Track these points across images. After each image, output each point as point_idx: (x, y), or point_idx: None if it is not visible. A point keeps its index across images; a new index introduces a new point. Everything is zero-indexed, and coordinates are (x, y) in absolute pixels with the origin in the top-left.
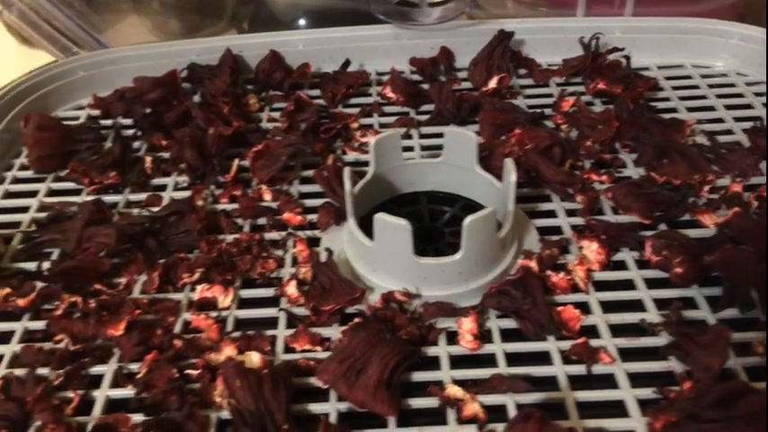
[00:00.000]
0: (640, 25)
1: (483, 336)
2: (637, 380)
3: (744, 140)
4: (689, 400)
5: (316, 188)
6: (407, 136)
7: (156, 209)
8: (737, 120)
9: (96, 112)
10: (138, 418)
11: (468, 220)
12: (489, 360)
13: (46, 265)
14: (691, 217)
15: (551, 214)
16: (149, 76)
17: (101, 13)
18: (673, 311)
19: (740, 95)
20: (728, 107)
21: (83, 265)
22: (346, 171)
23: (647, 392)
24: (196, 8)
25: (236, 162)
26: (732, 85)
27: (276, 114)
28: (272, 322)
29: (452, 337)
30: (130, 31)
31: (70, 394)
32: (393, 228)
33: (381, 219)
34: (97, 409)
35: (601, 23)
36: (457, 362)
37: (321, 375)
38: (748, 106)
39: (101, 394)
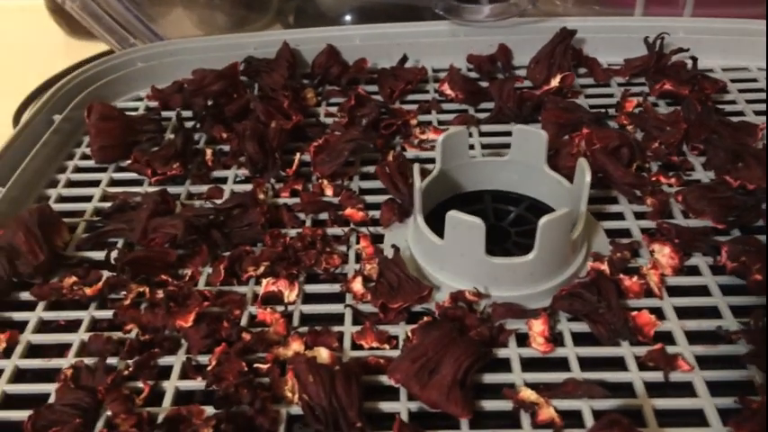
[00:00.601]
0: (704, 26)
1: (554, 339)
2: (716, 388)
3: None
4: None
5: (376, 184)
6: (468, 134)
7: (217, 201)
8: None
9: (154, 104)
10: (209, 410)
11: (544, 219)
12: (561, 364)
13: (114, 254)
14: (764, 222)
15: (619, 216)
16: (209, 69)
17: (152, 3)
18: (754, 319)
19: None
20: None
21: (150, 256)
22: (416, 167)
23: (728, 402)
24: (242, 2)
25: (297, 156)
26: None
27: (333, 109)
28: (338, 318)
29: (522, 339)
30: (177, 24)
31: (140, 384)
32: (467, 226)
33: (454, 216)
34: (167, 401)
35: (664, 23)
36: (528, 364)
37: (393, 374)
38: None
39: (170, 385)
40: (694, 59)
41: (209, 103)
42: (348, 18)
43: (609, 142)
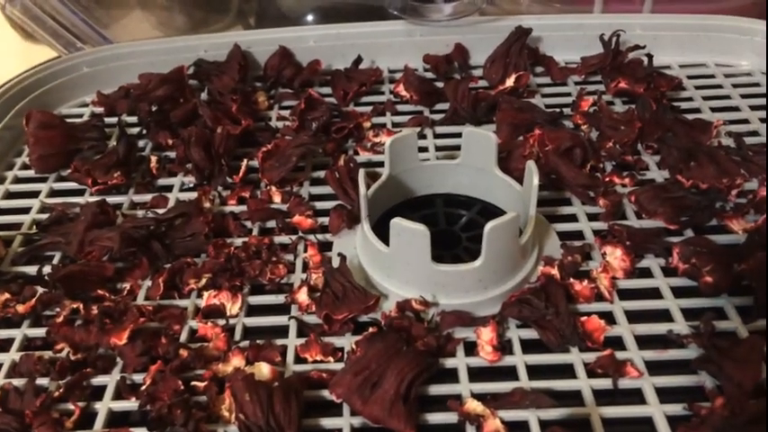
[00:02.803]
0: (662, 22)
1: (503, 347)
2: (665, 395)
3: None
4: (722, 417)
5: (327, 190)
6: (422, 136)
7: (161, 210)
8: (764, 121)
9: (100, 110)
10: None
11: (489, 225)
12: (510, 372)
13: (47, 269)
14: (718, 222)
15: (572, 218)
16: (155, 73)
17: (105, 7)
18: (704, 323)
19: (765, 95)
20: (754, 107)
21: (85, 270)
22: (361, 173)
23: (677, 408)
24: (202, 3)
25: (245, 162)
26: (757, 85)
27: (286, 113)
28: (283, 331)
29: (471, 348)
30: (135, 27)
31: (71, 406)
32: (411, 233)
33: (398, 224)
34: (99, 423)
35: (621, 21)
36: (476, 374)
37: (334, 388)
38: None
39: (103, 406)
40: (650, 57)
41: (154, 108)
42: (310, 18)
43: (561, 143)
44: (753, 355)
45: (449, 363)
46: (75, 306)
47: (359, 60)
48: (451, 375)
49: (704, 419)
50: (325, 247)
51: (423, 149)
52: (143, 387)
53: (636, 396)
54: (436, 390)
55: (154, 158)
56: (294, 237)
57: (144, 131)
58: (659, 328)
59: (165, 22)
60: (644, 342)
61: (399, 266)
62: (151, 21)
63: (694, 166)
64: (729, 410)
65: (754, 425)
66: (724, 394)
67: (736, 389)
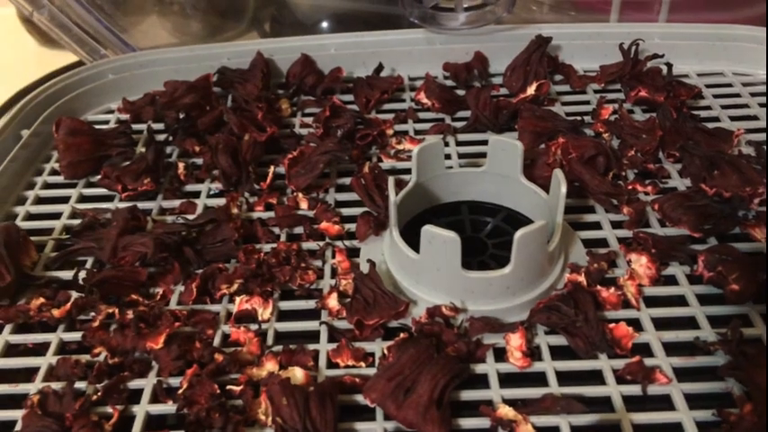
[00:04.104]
0: (680, 32)
1: (532, 353)
2: (693, 401)
3: None
4: (751, 423)
5: (352, 196)
6: (444, 143)
7: (190, 216)
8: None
9: (126, 116)
10: None
11: (519, 233)
12: (540, 378)
13: (82, 274)
14: (741, 230)
15: (596, 226)
16: (181, 80)
17: (123, 14)
18: (732, 330)
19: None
20: None
21: (120, 275)
22: (390, 180)
23: (706, 414)
24: (217, 10)
25: (272, 169)
26: None
27: (308, 119)
28: (313, 336)
29: (500, 354)
30: (151, 33)
31: (109, 409)
32: (442, 240)
33: (429, 231)
34: (137, 426)
35: (639, 29)
36: (506, 380)
37: (368, 393)
38: None
39: (141, 410)
40: (669, 65)
41: (182, 116)
42: (324, 25)
43: (585, 151)
44: None
45: (479, 368)
46: (110, 310)
47: (380, 68)
48: (482, 381)
49: (733, 426)
50: (352, 253)
51: (445, 157)
52: (180, 391)
53: (665, 402)
54: (467, 395)
55: (181, 165)
56: (321, 243)
57: (170, 138)
58: (686, 335)
59: (181, 28)
60: (671, 349)
61: (429, 273)
62: (167, 27)
63: (717, 175)
64: (758, 416)
65: None
66: (752, 401)
67: (765, 395)
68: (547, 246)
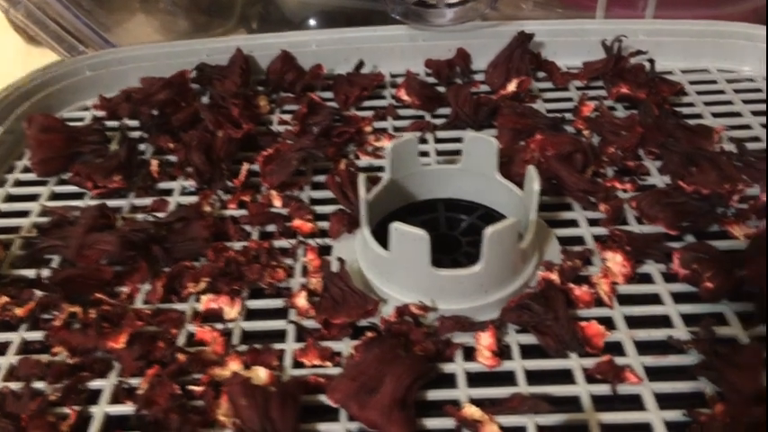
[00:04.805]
0: (664, 28)
1: (502, 352)
2: (664, 401)
3: None
4: (722, 424)
5: (327, 194)
6: (423, 140)
7: (161, 214)
8: (765, 126)
9: (102, 114)
10: None
11: (489, 230)
12: (508, 378)
13: (46, 272)
14: (719, 228)
15: (573, 224)
16: (157, 77)
17: (109, 11)
18: (704, 329)
19: (766, 100)
20: (756, 113)
21: (84, 274)
22: (361, 177)
23: (677, 415)
24: (205, 8)
25: (245, 166)
26: (759, 90)
27: (287, 117)
28: (281, 335)
29: (470, 353)
30: (138, 31)
31: (67, 410)
32: (410, 238)
33: (398, 228)
34: (95, 427)
35: (623, 26)
36: (474, 379)
37: (332, 394)
38: None
39: (99, 411)
40: (652, 62)
41: (155, 112)
42: (312, 22)
43: (562, 148)
44: (754, 362)
45: (447, 368)
46: (73, 310)
47: (361, 65)
48: (450, 380)
49: (704, 426)
50: (325, 251)
51: (424, 154)
52: (139, 391)
53: (635, 402)
54: (434, 395)
55: (155, 162)
56: (294, 241)
57: (145, 135)
58: (659, 334)
59: (167, 26)
60: (644, 348)
61: (399, 271)
62: (154, 25)
63: (696, 172)
64: (730, 417)
65: (756, 431)
66: (725, 401)
67: (737, 395)
68: (519, 243)
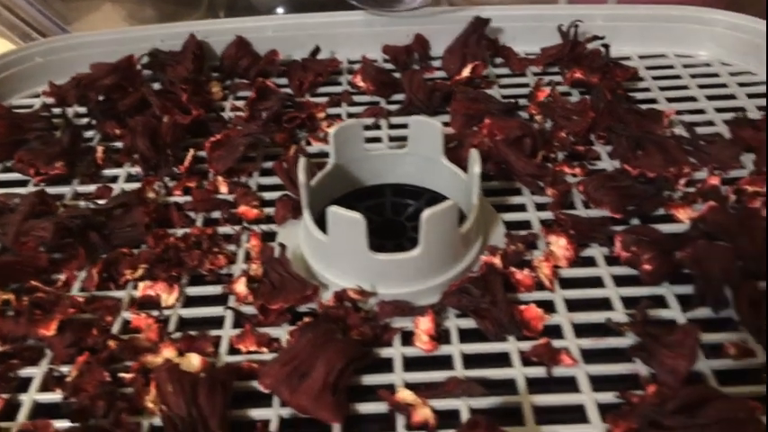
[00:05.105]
0: (622, 13)
1: (440, 336)
2: (600, 383)
3: (725, 132)
4: (651, 405)
5: (277, 180)
6: (376, 126)
7: (104, 201)
8: (719, 111)
9: (51, 100)
10: (62, 424)
11: (426, 213)
12: (446, 362)
13: None
14: (665, 211)
15: (521, 208)
16: (107, 62)
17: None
18: (639, 311)
19: (723, 86)
20: (710, 97)
21: (19, 261)
22: (301, 162)
23: (610, 397)
24: None
25: (191, 152)
26: (716, 75)
27: (241, 103)
28: (220, 322)
29: (409, 338)
30: (103, 21)
31: None
32: (346, 221)
33: (335, 212)
34: (22, 414)
35: (581, 11)
36: (412, 364)
37: (263, 379)
38: (731, 97)
39: (28, 398)
40: (606, 47)
41: (101, 98)
42: (280, 11)
43: (510, 132)
44: (687, 342)
45: (385, 353)
46: (6, 297)
47: (317, 51)
48: (387, 366)
49: (634, 407)
50: (270, 237)
51: (377, 140)
52: (68, 379)
53: (570, 384)
54: (370, 380)
55: (100, 149)
56: (238, 227)
57: (93, 122)
58: (598, 317)
59: (134, 15)
60: (585, 331)
61: (338, 256)
62: (121, 14)
63: (642, 155)
64: (660, 398)
65: (683, 412)
66: (657, 381)
67: (670, 376)
68: (459, 227)
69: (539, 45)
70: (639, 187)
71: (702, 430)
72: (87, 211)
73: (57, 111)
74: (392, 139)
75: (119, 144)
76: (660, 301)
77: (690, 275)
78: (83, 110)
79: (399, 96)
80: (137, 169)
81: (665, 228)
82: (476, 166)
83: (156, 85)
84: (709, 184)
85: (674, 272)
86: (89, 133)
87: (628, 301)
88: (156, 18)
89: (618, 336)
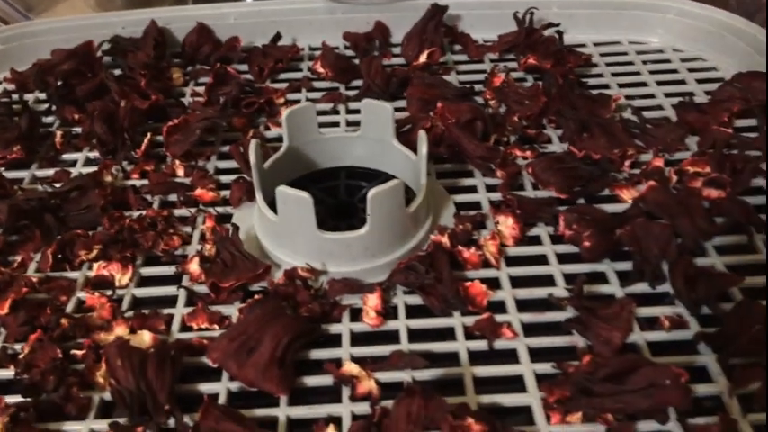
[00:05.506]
0: (578, 1)
1: (388, 312)
2: (540, 355)
3: (673, 116)
4: (584, 373)
5: (235, 164)
6: (335, 111)
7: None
8: (668, 95)
9: (12, 87)
10: (14, 399)
11: (371, 192)
12: (393, 337)
13: None
14: (611, 192)
15: (472, 190)
16: (67, 48)
17: None
18: (576, 285)
19: (674, 71)
20: (660, 83)
21: None
22: (252, 144)
23: (547, 367)
24: None
25: (148, 136)
26: (667, 61)
27: (201, 89)
28: (173, 301)
29: (357, 315)
30: (73, 12)
31: None
32: (294, 200)
33: (282, 192)
34: None
35: None
36: (359, 339)
37: (211, 354)
38: (681, 82)
39: None
40: (560, 33)
41: (60, 83)
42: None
43: (461, 116)
44: (622, 315)
45: (334, 328)
46: None
47: (277, 37)
48: (336, 341)
49: (569, 376)
50: (226, 219)
51: (335, 125)
52: (21, 355)
53: (511, 356)
54: (319, 354)
55: (59, 133)
56: (193, 209)
57: (53, 107)
58: (540, 293)
59: (104, 5)
60: (528, 306)
61: (288, 235)
62: (90, 4)
63: (586, 137)
64: (593, 367)
65: (612, 379)
66: (592, 352)
67: (604, 346)
68: (406, 207)
69: (498, 32)
70: (585, 168)
71: (630, 396)
72: (43, 194)
73: (17, 97)
74: (350, 123)
75: (78, 129)
76: (601, 278)
77: (629, 252)
78: (44, 96)
79: (358, 82)
80: (95, 154)
81: (611, 207)
82: (423, 148)
83: (118, 72)
84: (654, 165)
85: (615, 249)
86: (50, 118)
87: (570, 278)
88: (126, 7)
89: (559, 310)
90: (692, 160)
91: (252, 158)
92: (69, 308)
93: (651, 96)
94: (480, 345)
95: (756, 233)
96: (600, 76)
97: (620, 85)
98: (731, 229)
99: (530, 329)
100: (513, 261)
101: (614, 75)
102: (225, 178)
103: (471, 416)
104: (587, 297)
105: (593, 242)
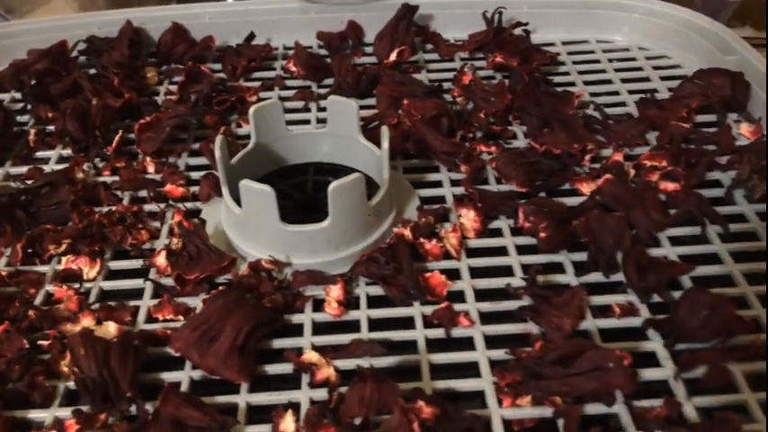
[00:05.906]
0: (547, 0)
1: (350, 303)
2: (496, 342)
3: (635, 112)
4: (535, 358)
5: (206, 161)
6: (306, 109)
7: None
8: (632, 92)
9: None
10: None
11: (332, 185)
12: (354, 326)
13: None
14: (571, 186)
15: (437, 184)
16: (42, 48)
17: None
18: (531, 275)
19: (639, 69)
20: (625, 80)
21: None
22: (218, 139)
23: (501, 354)
24: None
25: (119, 133)
26: (633, 59)
27: (175, 88)
28: (140, 293)
29: (320, 305)
30: (55, 14)
31: None
32: (257, 194)
33: (246, 185)
34: None
35: None
36: (321, 329)
37: (173, 343)
38: (645, 79)
39: None
40: (527, 32)
41: (33, 82)
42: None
43: (427, 112)
44: (573, 302)
45: (296, 318)
46: None
47: (251, 37)
48: (298, 330)
49: (519, 361)
50: (196, 215)
51: (305, 122)
52: None
53: (468, 344)
54: (281, 343)
55: (32, 131)
56: (163, 205)
57: (28, 106)
58: (498, 283)
59: (86, 7)
60: (486, 296)
61: (252, 228)
62: (73, 6)
63: (547, 133)
64: (544, 352)
65: (560, 363)
66: (545, 339)
67: (556, 333)
68: (368, 200)
69: (469, 31)
70: (546, 163)
71: (576, 378)
72: (14, 190)
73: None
74: (320, 121)
75: (52, 127)
76: (558, 268)
77: (585, 243)
78: (20, 95)
79: (330, 81)
80: (68, 151)
81: (571, 201)
82: (385, 142)
83: (93, 71)
84: (614, 159)
85: (571, 240)
86: (25, 117)
87: (527, 268)
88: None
89: (515, 299)
90: (649, 154)
91: (217, 153)
92: (38, 300)
93: (615, 93)
94: (438, 333)
95: (710, 224)
96: (567, 74)
97: (586, 83)
98: (685, 221)
99: (488, 318)
100: (474, 252)
101: (580, 72)
102: (196, 175)
103: (423, 399)
104: (542, 286)
105: (549, 233)
